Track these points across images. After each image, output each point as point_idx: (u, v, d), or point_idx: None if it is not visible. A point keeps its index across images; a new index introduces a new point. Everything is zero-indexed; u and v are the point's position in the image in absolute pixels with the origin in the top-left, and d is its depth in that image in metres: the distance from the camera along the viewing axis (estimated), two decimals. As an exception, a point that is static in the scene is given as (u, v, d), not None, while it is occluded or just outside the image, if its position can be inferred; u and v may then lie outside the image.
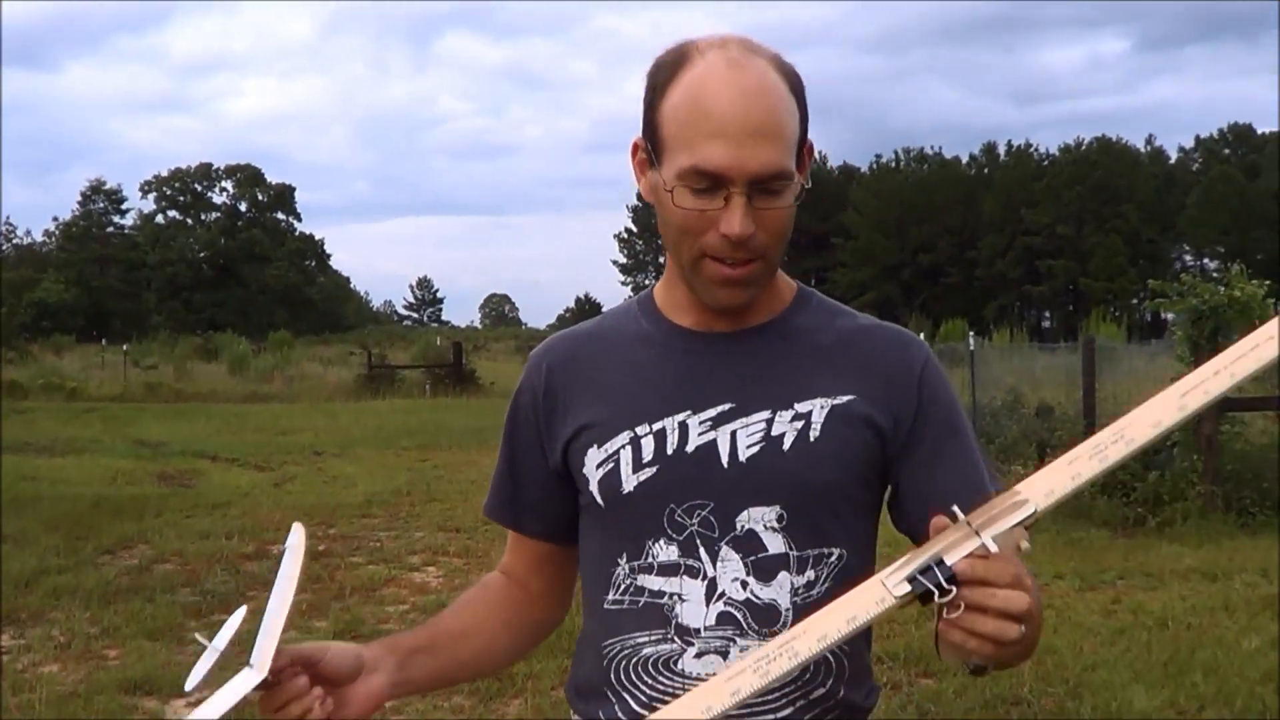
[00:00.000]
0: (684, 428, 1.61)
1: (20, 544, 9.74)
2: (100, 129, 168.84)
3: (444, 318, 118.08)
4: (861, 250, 79.51)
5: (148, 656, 6.60)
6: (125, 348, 39.92)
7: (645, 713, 1.57)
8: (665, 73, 1.56)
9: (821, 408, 1.59)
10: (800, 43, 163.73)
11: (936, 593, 1.22)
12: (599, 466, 1.65)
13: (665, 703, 1.54)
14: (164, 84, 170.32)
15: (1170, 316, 12.97)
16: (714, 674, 1.52)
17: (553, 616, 1.86)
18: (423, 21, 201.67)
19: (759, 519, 1.56)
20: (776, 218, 1.54)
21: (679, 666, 1.57)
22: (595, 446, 1.65)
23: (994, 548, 1.23)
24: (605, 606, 1.65)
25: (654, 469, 1.60)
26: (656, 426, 1.62)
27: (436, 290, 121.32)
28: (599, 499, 1.65)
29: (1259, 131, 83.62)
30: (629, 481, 1.61)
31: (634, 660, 1.60)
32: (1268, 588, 7.82)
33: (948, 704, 5.73)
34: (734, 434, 1.59)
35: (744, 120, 1.49)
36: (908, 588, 1.23)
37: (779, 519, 1.56)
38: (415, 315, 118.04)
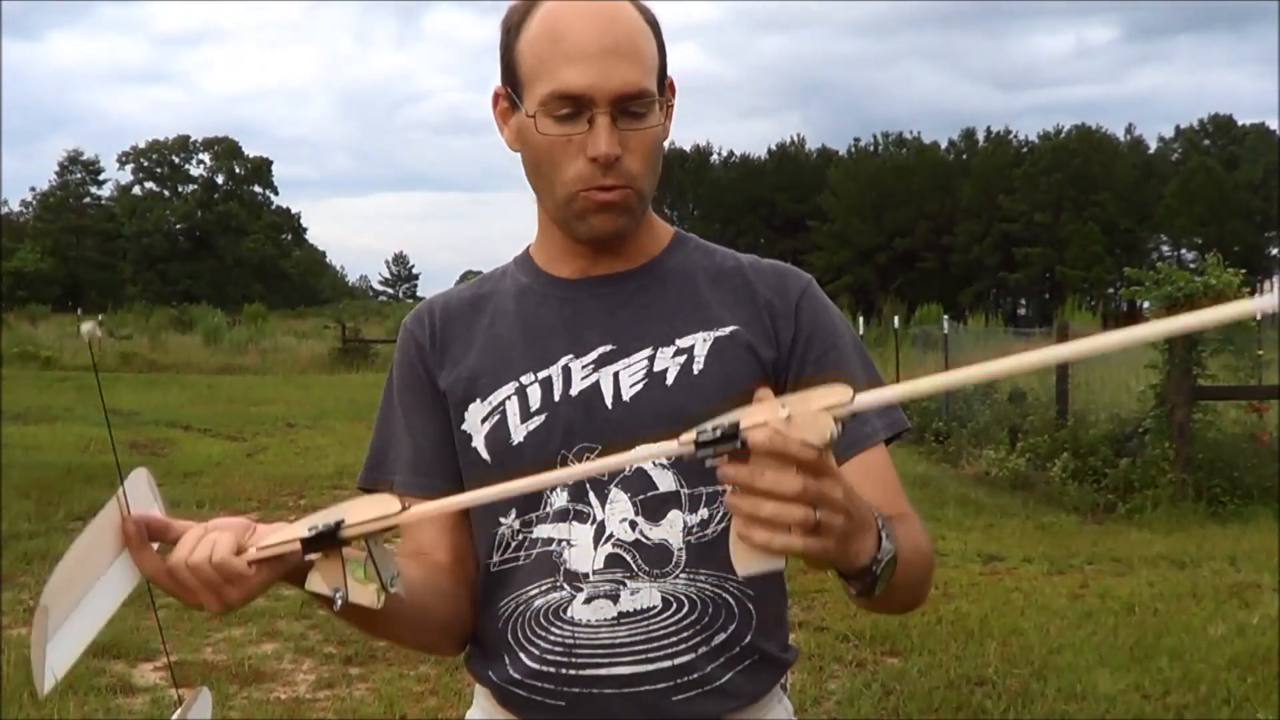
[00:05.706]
0: (567, 372, 1.59)
1: (-9, 509, 9.71)
2: (81, 99, 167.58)
3: (419, 293, 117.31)
4: (838, 234, 79.44)
5: (115, 621, 6.43)
6: (100, 318, 39.63)
7: (539, 667, 1.54)
8: (519, 15, 1.56)
9: (704, 340, 1.58)
10: (786, 25, 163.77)
11: (718, 446, 1.15)
12: (484, 421, 1.61)
13: (557, 654, 1.53)
14: (147, 54, 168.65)
15: (1145, 304, 13.01)
16: (605, 619, 1.52)
17: (467, 590, 1.66)
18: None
19: None
20: (643, 141, 1.53)
21: (569, 614, 1.53)
22: (478, 400, 1.62)
23: (783, 413, 1.13)
24: (492, 570, 1.61)
25: (542, 417, 1.58)
26: (542, 375, 1.60)
27: (412, 266, 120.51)
28: (485, 454, 1.60)
29: (1239, 123, 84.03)
30: (518, 432, 1.58)
31: (526, 614, 1.56)
32: (1235, 576, 7.88)
33: (912, 682, 5.75)
34: (616, 375, 1.57)
35: (600, 41, 1.49)
36: (693, 436, 1.17)
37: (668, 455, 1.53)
38: (390, 291, 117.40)
